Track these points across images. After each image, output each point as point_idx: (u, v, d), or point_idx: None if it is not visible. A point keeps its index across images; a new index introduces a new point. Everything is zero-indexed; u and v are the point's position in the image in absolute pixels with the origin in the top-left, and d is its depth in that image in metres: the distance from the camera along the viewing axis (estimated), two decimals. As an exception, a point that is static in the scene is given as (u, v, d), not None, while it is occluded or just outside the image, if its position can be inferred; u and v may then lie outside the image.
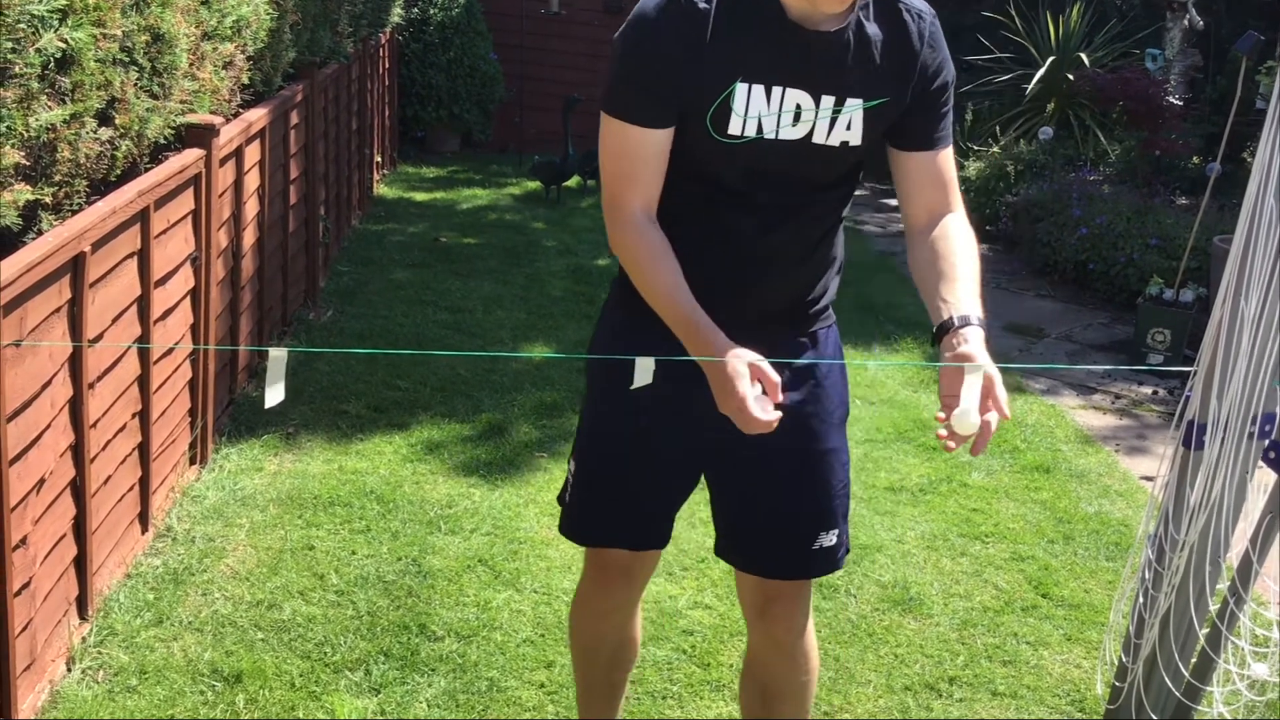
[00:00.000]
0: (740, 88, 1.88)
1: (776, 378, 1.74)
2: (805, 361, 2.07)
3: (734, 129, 1.90)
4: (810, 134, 1.92)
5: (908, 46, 1.91)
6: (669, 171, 1.96)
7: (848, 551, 2.19)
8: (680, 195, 1.98)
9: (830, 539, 2.09)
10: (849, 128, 1.92)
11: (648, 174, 1.93)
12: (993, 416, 1.72)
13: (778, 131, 1.91)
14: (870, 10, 1.90)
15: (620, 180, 1.94)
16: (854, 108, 1.91)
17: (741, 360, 1.75)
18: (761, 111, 1.90)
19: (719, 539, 2.22)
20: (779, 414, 1.74)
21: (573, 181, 8.76)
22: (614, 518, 2.17)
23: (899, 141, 1.98)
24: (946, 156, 1.99)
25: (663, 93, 1.90)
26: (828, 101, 1.90)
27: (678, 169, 1.96)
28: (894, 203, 9.02)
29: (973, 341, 1.80)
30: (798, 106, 1.90)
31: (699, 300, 1.90)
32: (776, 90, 1.89)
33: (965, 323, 1.83)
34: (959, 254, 1.92)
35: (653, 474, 2.13)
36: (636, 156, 1.93)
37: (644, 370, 1.72)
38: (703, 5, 1.87)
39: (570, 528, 2.22)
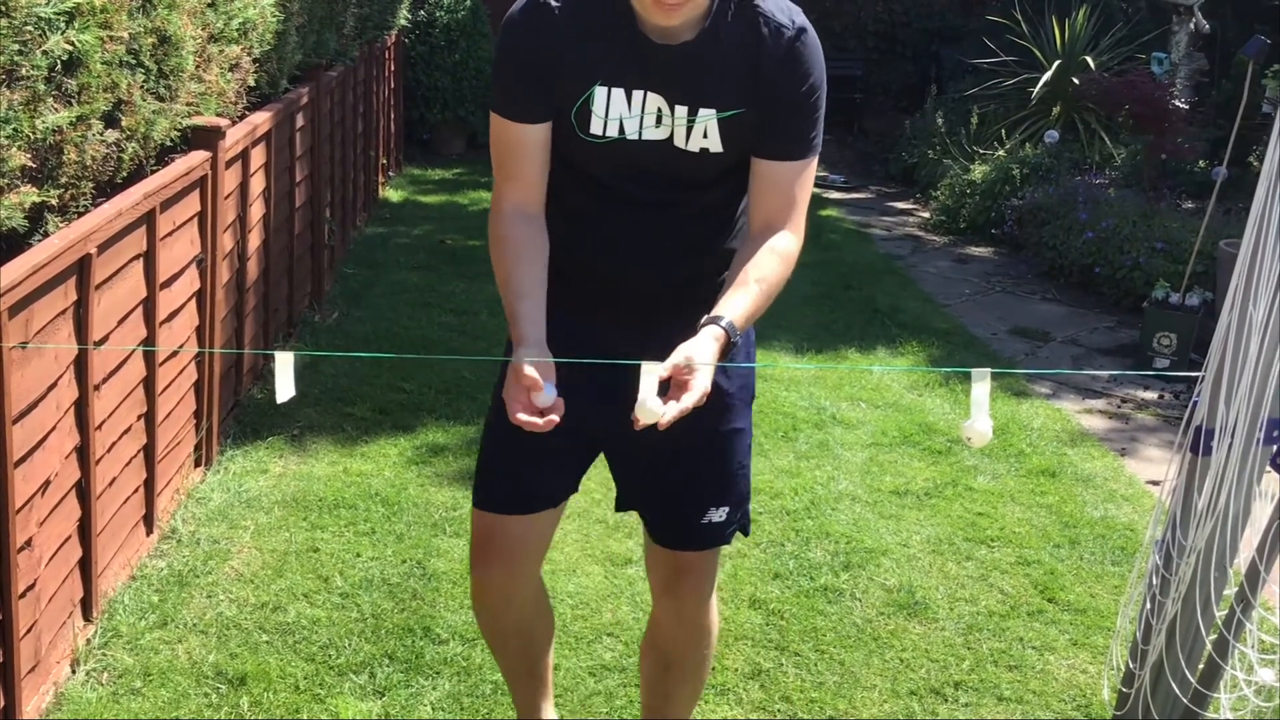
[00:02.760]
0: (599, 90, 1.96)
1: (538, 381, 1.79)
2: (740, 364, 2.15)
3: (595, 129, 1.99)
4: (671, 137, 1.99)
5: (762, 61, 1.94)
6: (560, 166, 2.05)
7: (745, 529, 2.27)
8: (569, 188, 2.08)
9: (719, 515, 2.18)
10: (705, 136, 1.98)
11: (523, 169, 2.02)
12: (671, 407, 1.75)
13: (640, 133, 1.98)
14: (730, 23, 1.93)
15: (499, 174, 2.06)
16: (707, 117, 1.96)
17: (523, 361, 1.83)
18: (623, 114, 1.97)
19: (618, 497, 2.30)
20: (541, 420, 1.79)
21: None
22: (510, 485, 2.21)
23: (753, 146, 2.01)
24: (794, 171, 2.00)
25: (529, 90, 1.99)
26: (681, 111, 1.96)
27: (564, 163, 2.05)
28: (899, 206, 9.05)
29: (699, 337, 1.84)
30: (659, 110, 1.97)
31: (584, 288, 2.07)
32: (637, 94, 1.96)
33: (711, 321, 1.87)
34: (757, 268, 1.95)
35: (540, 442, 2.14)
36: (511, 151, 2.02)
37: (649, 374, 1.72)
38: (556, 9, 1.95)
39: (482, 495, 2.25)
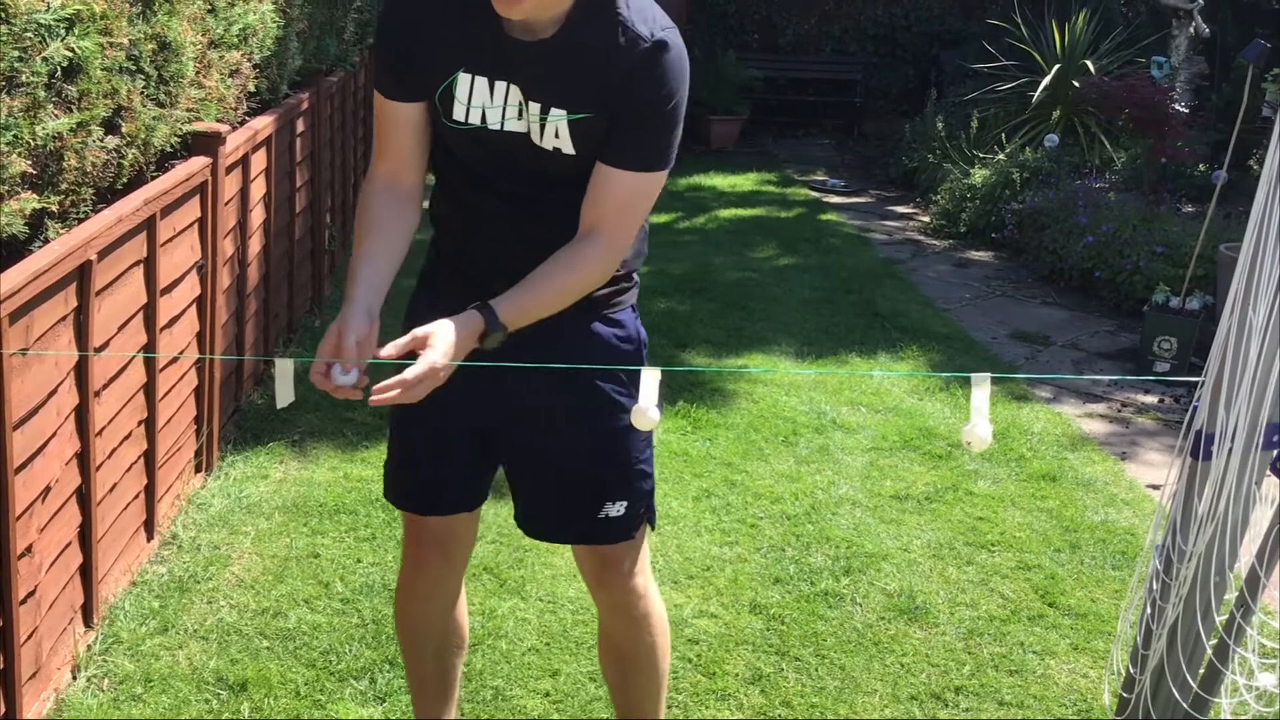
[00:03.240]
0: (463, 77, 1.97)
1: (353, 343, 1.82)
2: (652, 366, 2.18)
3: (459, 115, 2.00)
4: (529, 132, 1.99)
5: (612, 67, 1.92)
6: (439, 148, 2.08)
7: (651, 523, 2.28)
8: (446, 171, 2.12)
9: (617, 509, 2.19)
10: (557, 136, 1.97)
11: (395, 144, 2.05)
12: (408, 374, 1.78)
13: (502, 124, 1.99)
14: (588, 27, 1.91)
15: (376, 146, 2.09)
16: (558, 118, 1.96)
17: (333, 329, 1.85)
18: (485, 103, 1.98)
19: (515, 510, 2.30)
20: (345, 381, 1.80)
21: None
22: (406, 481, 2.27)
23: (603, 153, 1.99)
24: (631, 182, 1.97)
25: (397, 70, 2.01)
26: (535, 107, 1.96)
27: (441, 146, 2.09)
28: (899, 210, 9.06)
29: (456, 319, 1.86)
30: (520, 103, 1.97)
31: (458, 268, 2.14)
32: (500, 84, 1.96)
33: (477, 307, 1.89)
34: (549, 273, 1.96)
35: (436, 441, 2.21)
36: (385, 126, 2.06)
37: (649, 379, 1.72)
38: None
39: (385, 488, 2.33)
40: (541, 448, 2.20)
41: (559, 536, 2.32)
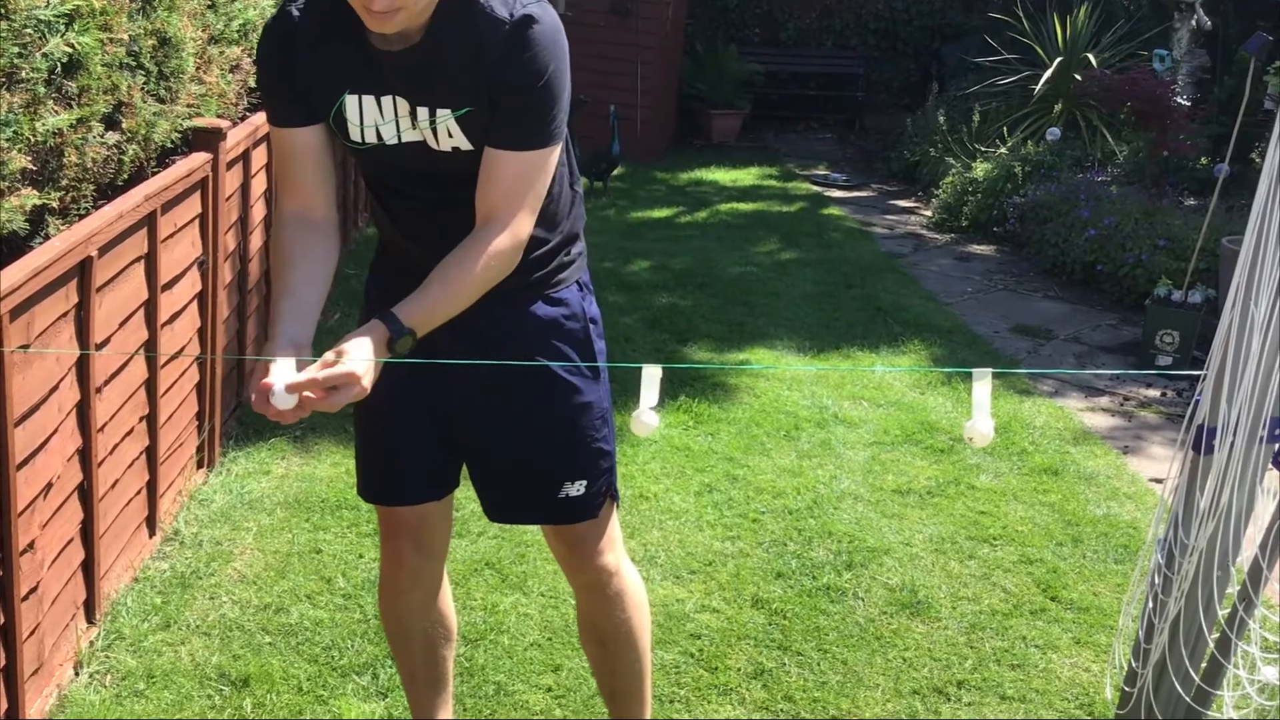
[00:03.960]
0: (350, 99, 1.97)
1: (270, 381, 1.76)
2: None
3: (354, 136, 2.00)
4: (425, 139, 1.99)
5: (482, 55, 1.91)
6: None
7: (613, 501, 2.29)
8: (366, 178, 2.15)
9: (576, 489, 2.20)
10: (451, 135, 1.97)
11: (298, 174, 2.04)
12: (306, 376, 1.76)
13: (399, 136, 1.99)
14: (451, 23, 1.90)
15: (278, 182, 2.10)
16: (445, 118, 1.95)
17: (261, 366, 1.82)
18: (377, 120, 1.98)
19: (479, 498, 2.31)
20: (285, 405, 1.75)
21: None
22: (371, 475, 2.32)
23: (489, 136, 1.98)
24: (518, 161, 1.95)
25: (281, 97, 2.01)
26: (423, 112, 1.96)
27: (359, 165, 2.12)
28: (901, 204, 9.05)
29: (362, 333, 1.84)
30: (410, 112, 1.97)
31: (396, 259, 2.17)
32: (386, 99, 1.96)
33: (381, 318, 1.87)
34: (450, 270, 1.93)
35: (393, 433, 2.25)
36: (286, 159, 2.05)
37: (650, 378, 1.72)
38: (296, 19, 1.97)
39: (356, 486, 2.38)
40: (495, 432, 2.21)
41: (521, 518, 2.36)
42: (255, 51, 2.10)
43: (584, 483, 2.21)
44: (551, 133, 1.97)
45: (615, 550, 2.32)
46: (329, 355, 1.78)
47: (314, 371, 1.75)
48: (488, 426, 2.22)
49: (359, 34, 1.91)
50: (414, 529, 2.30)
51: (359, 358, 1.78)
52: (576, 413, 2.20)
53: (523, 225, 1.98)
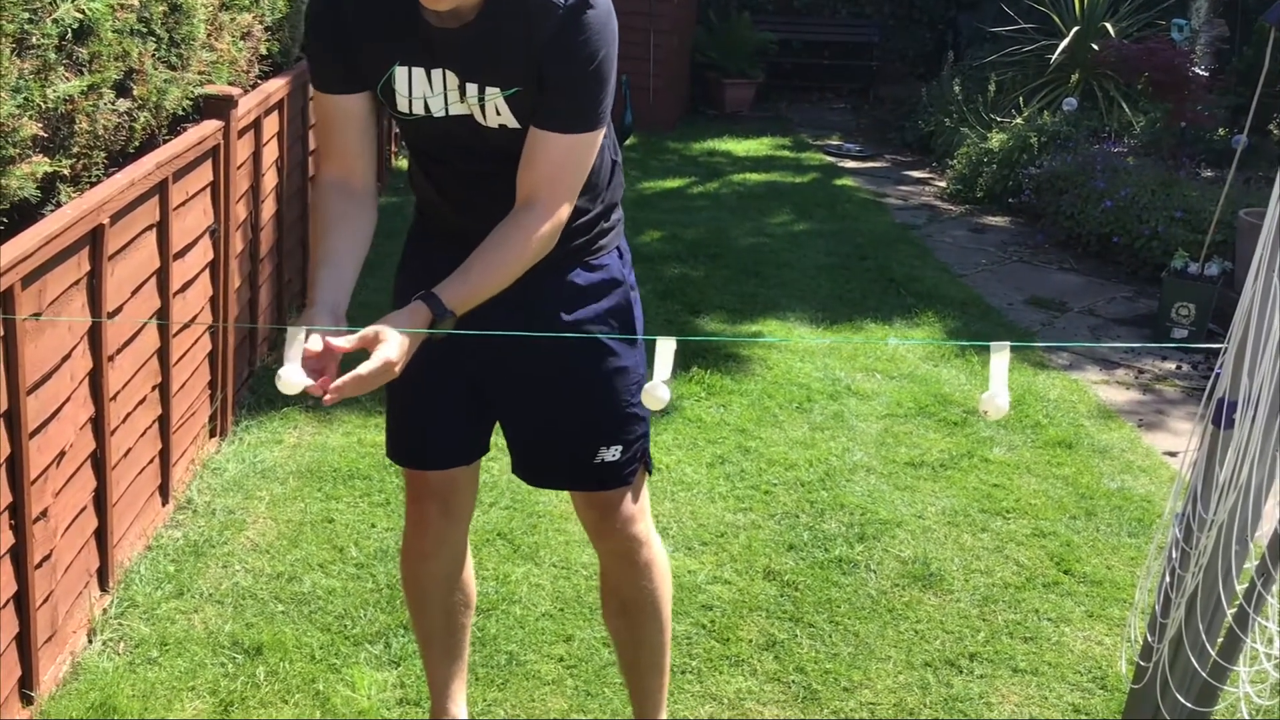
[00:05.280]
0: (399, 70, 1.98)
1: (317, 347, 1.78)
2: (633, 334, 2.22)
3: (402, 107, 2.02)
4: (473, 114, 2.00)
5: (533, 37, 1.92)
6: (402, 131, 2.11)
7: (646, 469, 2.30)
8: (411, 146, 2.18)
9: (612, 454, 2.21)
10: (499, 113, 1.99)
11: (341, 143, 2.06)
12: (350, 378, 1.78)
13: (446, 110, 2.00)
14: (502, 4, 1.91)
15: (320, 149, 2.13)
16: (494, 96, 1.97)
17: (301, 324, 1.83)
18: (426, 93, 1.99)
19: (511, 458, 2.33)
20: (306, 381, 1.75)
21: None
22: (403, 437, 2.32)
23: (535, 118, 2.00)
24: (563, 144, 1.97)
25: (329, 65, 2.03)
26: (472, 89, 1.97)
27: (404, 134, 2.13)
28: (915, 175, 9.00)
29: (403, 311, 1.88)
30: (460, 86, 1.98)
31: (438, 227, 2.21)
32: (436, 72, 1.97)
33: (422, 297, 1.90)
34: (491, 251, 1.96)
35: (428, 396, 2.24)
36: (330, 125, 2.07)
37: (664, 350, 1.70)
38: None
39: (386, 447, 2.39)
40: (533, 395, 2.22)
41: (556, 482, 2.34)
42: (306, 21, 2.08)
43: (619, 448, 2.22)
44: (599, 116, 1.99)
45: (645, 519, 2.32)
46: (368, 332, 1.80)
47: (360, 369, 1.78)
48: (525, 389, 2.22)
49: (411, 7, 1.92)
50: (442, 493, 2.30)
51: (394, 343, 1.79)
52: (614, 377, 2.20)
53: (564, 209, 1.99)
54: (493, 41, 1.93)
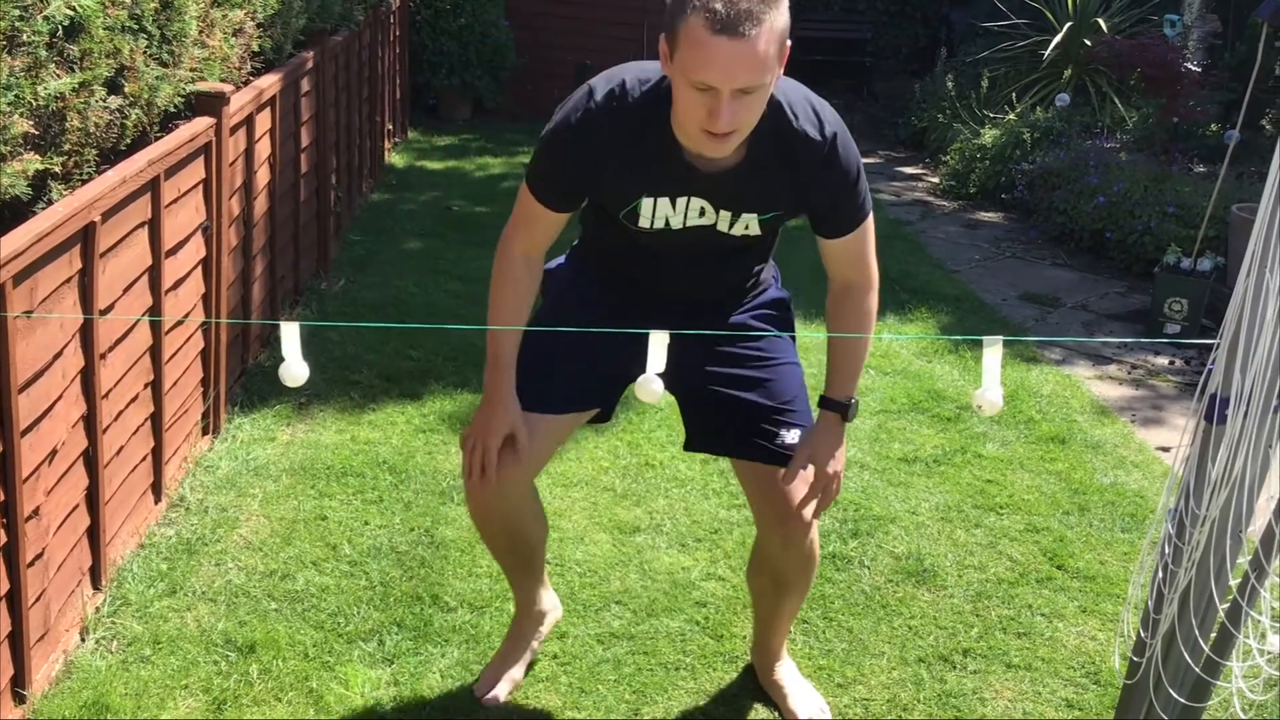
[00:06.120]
0: (646, 201, 2.22)
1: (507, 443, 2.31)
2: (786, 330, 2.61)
3: (644, 225, 2.27)
4: (715, 224, 2.27)
5: (800, 172, 2.20)
6: (602, 216, 2.35)
7: None
8: (605, 229, 2.38)
9: (792, 437, 2.45)
10: (748, 228, 2.29)
11: (540, 231, 2.33)
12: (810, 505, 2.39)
13: (684, 223, 2.26)
14: (766, 143, 2.14)
15: (518, 225, 2.34)
16: (750, 218, 2.27)
17: (500, 427, 2.33)
18: (669, 214, 2.24)
19: (690, 437, 2.60)
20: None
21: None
22: (534, 386, 2.42)
23: (816, 228, 2.33)
24: (851, 240, 2.33)
25: (565, 192, 2.27)
26: (726, 214, 2.25)
27: (600, 214, 2.35)
28: (908, 171, 8.99)
29: (818, 429, 2.41)
30: (702, 208, 2.23)
31: (615, 283, 2.45)
32: (682, 199, 2.22)
33: (826, 405, 2.40)
34: (847, 344, 2.39)
35: (584, 351, 2.40)
36: (536, 220, 2.31)
37: (657, 344, 1.71)
38: (606, 130, 2.14)
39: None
40: (723, 374, 2.46)
41: (744, 452, 2.50)
42: (546, 148, 2.23)
43: (799, 431, 2.45)
44: (869, 205, 2.32)
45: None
46: (800, 463, 2.36)
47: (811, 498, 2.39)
48: (718, 376, 2.46)
49: (671, 152, 2.14)
50: (546, 431, 2.42)
51: (831, 457, 2.37)
52: (789, 369, 2.50)
53: (874, 276, 2.39)
54: (757, 177, 2.18)
